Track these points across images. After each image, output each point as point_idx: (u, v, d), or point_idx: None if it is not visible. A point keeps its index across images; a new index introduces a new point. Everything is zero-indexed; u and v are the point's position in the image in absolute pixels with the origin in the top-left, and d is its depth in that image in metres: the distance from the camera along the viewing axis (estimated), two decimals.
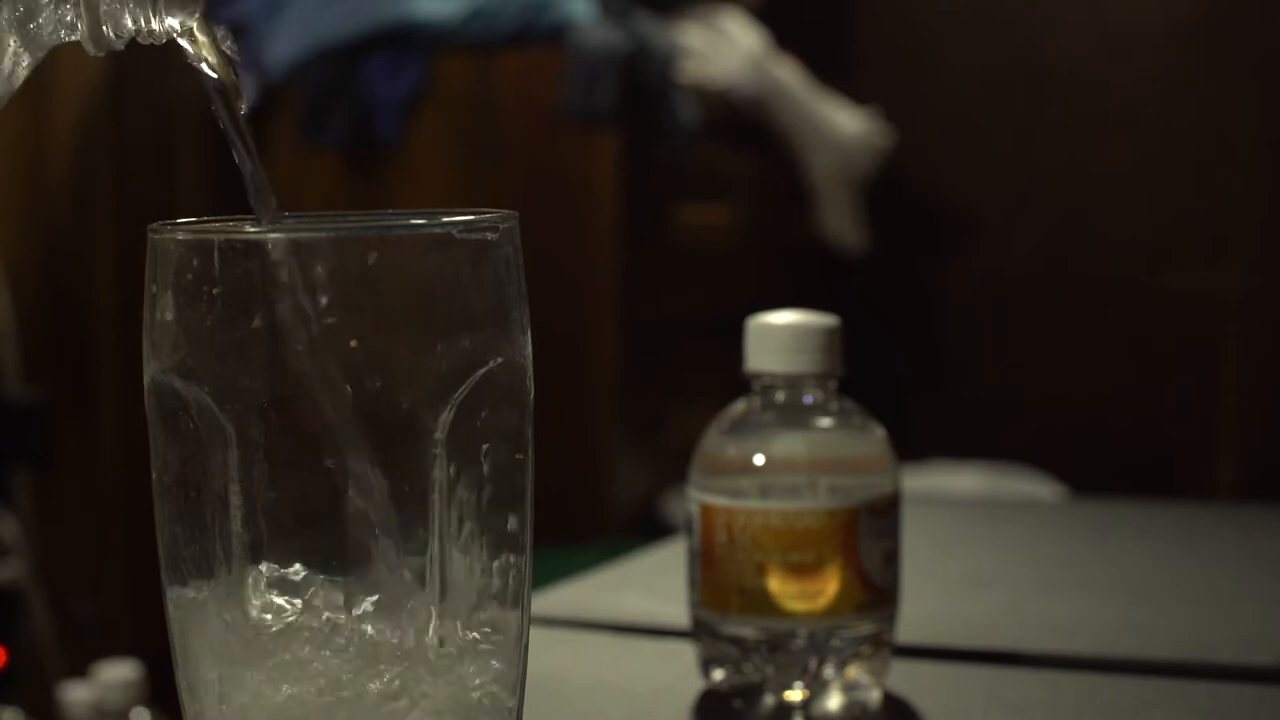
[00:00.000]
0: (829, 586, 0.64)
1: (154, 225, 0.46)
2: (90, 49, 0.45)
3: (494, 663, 0.47)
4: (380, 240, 0.45)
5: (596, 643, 0.80)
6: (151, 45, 0.45)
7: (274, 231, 0.45)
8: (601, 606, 0.85)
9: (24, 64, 0.45)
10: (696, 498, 0.67)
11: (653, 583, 0.89)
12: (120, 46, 0.46)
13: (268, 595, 0.45)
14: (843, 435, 0.67)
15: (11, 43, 0.44)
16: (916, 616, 0.72)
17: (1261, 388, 2.56)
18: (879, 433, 0.68)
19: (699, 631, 0.68)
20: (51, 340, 2.01)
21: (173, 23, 0.45)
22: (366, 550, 0.45)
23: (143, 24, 0.45)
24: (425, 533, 0.46)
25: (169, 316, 0.45)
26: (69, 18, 0.45)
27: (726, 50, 2.25)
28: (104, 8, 0.44)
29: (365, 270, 0.44)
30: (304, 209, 0.49)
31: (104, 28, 0.45)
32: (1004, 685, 0.71)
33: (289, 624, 0.45)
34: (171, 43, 0.46)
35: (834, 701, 0.66)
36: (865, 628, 0.66)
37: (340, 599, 0.45)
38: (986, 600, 0.87)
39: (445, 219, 0.46)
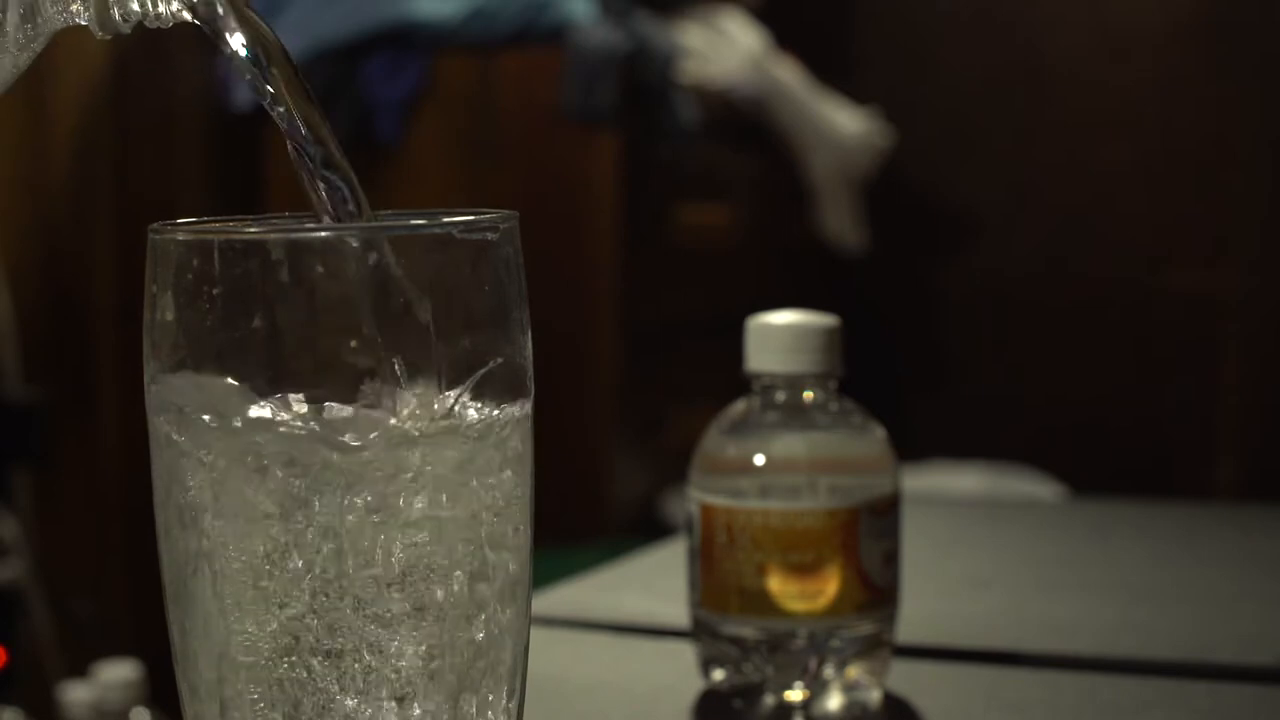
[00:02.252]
0: (829, 586, 0.64)
1: (154, 225, 0.46)
2: (96, 32, 0.45)
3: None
4: (380, 240, 0.45)
5: (596, 643, 0.80)
6: (152, 43, 0.45)
7: (272, 232, 0.45)
8: (601, 606, 0.85)
9: (28, 49, 0.44)
10: (696, 498, 0.67)
11: (653, 583, 0.89)
12: (127, 30, 0.45)
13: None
14: (843, 435, 0.67)
15: (15, 26, 0.44)
16: (916, 616, 0.72)
17: (1261, 388, 2.56)
18: (879, 433, 0.68)
19: (699, 631, 0.68)
20: (51, 340, 2.01)
21: (178, 5, 0.44)
22: None
23: (149, 6, 0.44)
24: None
25: (169, 316, 0.45)
26: (75, 5, 0.44)
27: (726, 50, 2.25)
28: None
29: (365, 270, 0.44)
30: (304, 209, 0.49)
31: (112, 10, 0.44)
32: (1004, 685, 0.71)
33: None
34: (174, 31, 0.45)
35: (834, 701, 0.66)
36: (865, 628, 0.66)
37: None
38: (986, 600, 0.87)
39: (445, 219, 0.46)
